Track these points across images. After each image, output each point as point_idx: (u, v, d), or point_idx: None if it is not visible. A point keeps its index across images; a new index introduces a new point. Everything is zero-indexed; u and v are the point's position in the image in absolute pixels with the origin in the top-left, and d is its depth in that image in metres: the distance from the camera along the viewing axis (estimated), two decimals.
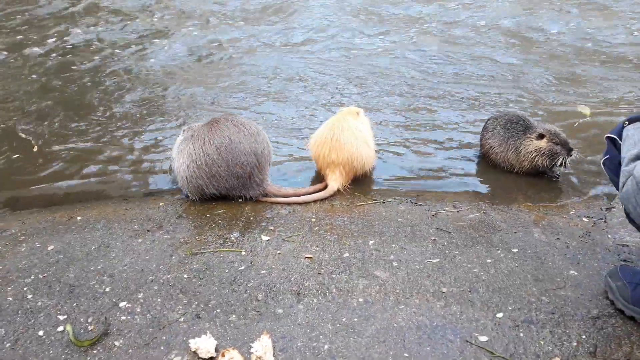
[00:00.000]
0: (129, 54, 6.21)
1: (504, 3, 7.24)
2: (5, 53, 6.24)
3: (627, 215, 2.39)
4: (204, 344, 2.22)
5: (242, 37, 6.54)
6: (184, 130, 3.59)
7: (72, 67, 5.86)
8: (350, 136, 3.55)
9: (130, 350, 2.26)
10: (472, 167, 3.93)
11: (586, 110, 4.48)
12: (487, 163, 3.92)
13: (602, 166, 2.52)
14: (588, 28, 6.36)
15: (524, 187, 3.64)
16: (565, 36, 6.20)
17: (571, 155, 3.56)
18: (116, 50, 6.31)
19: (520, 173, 3.74)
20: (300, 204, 3.46)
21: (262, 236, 3.07)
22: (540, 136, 3.63)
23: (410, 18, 6.94)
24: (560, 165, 3.58)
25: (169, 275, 2.73)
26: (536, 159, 3.60)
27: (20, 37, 6.70)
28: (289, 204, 3.46)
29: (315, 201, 3.48)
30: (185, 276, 2.72)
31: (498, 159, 3.81)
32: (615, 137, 2.35)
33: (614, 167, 2.40)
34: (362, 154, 3.57)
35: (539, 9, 7.04)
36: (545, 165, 3.62)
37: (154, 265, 2.82)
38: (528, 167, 3.67)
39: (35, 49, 6.32)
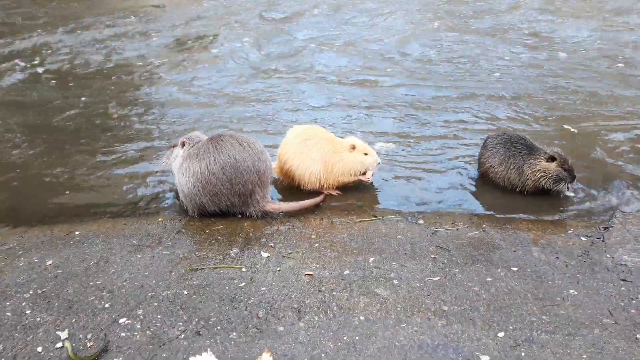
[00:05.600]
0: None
1: None
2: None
3: None
4: None
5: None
6: (182, 143, 3.58)
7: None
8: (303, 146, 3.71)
9: None
10: (470, 185, 3.94)
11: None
12: (485, 181, 3.94)
13: None
14: None
15: (522, 206, 3.65)
16: None
17: (572, 183, 3.64)
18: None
19: (523, 192, 3.76)
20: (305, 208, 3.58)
21: (262, 252, 3.07)
22: (551, 159, 3.68)
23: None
24: (561, 190, 3.65)
25: (169, 292, 2.71)
26: (540, 180, 3.65)
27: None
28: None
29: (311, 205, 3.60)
30: (185, 292, 2.71)
31: (498, 178, 3.83)
32: None
33: None
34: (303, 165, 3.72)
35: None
36: (546, 187, 3.67)
37: (154, 281, 2.80)
38: (531, 186, 3.71)
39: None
